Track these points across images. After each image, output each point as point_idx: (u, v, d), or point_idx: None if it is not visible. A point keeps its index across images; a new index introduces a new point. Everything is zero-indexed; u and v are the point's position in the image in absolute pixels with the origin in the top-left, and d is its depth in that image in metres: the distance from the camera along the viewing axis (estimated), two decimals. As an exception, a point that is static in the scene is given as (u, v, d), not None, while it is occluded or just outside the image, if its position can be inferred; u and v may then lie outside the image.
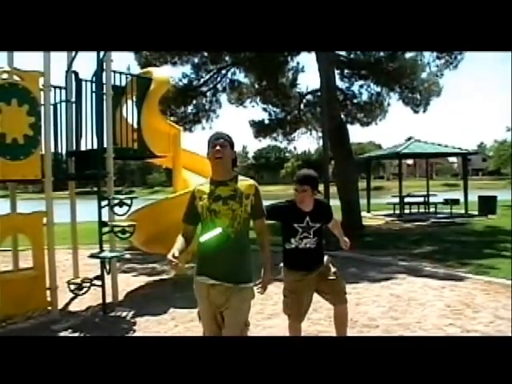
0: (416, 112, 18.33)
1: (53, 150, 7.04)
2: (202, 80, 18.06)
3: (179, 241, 3.30)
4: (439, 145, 21.01)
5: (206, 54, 16.96)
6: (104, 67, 7.06)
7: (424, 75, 17.69)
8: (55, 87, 7.23)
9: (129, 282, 8.66)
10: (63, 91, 7.46)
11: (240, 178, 3.29)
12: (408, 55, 17.20)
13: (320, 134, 17.50)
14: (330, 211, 4.47)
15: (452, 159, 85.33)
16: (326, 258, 4.45)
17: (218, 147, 3.18)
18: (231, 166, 3.30)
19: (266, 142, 22.61)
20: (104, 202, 6.76)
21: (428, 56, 17.20)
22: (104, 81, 7.08)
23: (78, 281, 7.51)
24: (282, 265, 4.39)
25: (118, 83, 7.51)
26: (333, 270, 4.45)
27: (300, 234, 4.18)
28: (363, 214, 17.19)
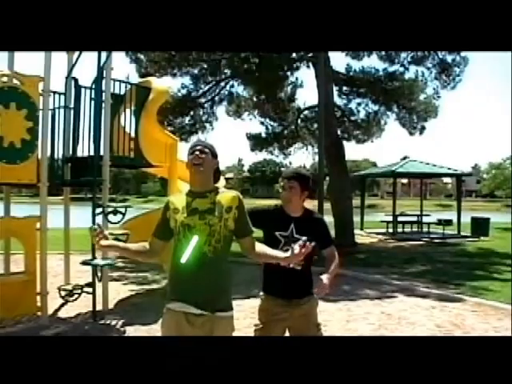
0: (412, 134, 18.49)
1: (49, 155, 7.04)
2: (201, 91, 18.13)
3: (140, 244, 2.94)
4: (434, 165, 21.14)
5: (205, 65, 17.07)
6: (104, 75, 7.09)
7: (422, 96, 17.83)
8: (54, 93, 7.25)
9: (120, 291, 8.63)
10: (62, 97, 7.48)
11: (222, 190, 2.91)
12: (407, 75, 17.38)
13: (316, 150, 17.61)
14: (325, 229, 3.58)
15: (446, 180, 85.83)
16: (315, 297, 3.51)
17: (197, 152, 2.84)
18: (213, 178, 2.93)
19: (261, 156, 22.72)
20: (98, 210, 6.75)
21: (427, 76, 17.37)
22: (103, 88, 7.11)
23: (69, 287, 7.47)
24: (261, 293, 3.55)
25: (117, 91, 7.54)
26: (316, 321, 3.53)
27: (282, 245, 3.32)
28: (356, 231, 17.21)
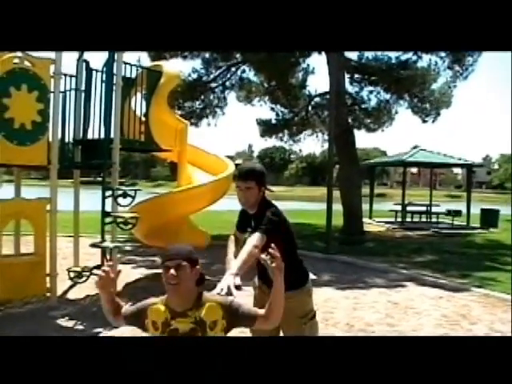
0: (425, 122, 18.30)
1: (60, 137, 7.06)
2: (212, 76, 18.08)
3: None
4: (445, 155, 20.99)
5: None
6: (115, 58, 7.08)
7: (435, 86, 17.65)
8: (65, 75, 7.25)
9: (128, 274, 8.67)
10: (73, 79, 7.48)
11: (206, 295, 2.48)
12: (420, 64, 17.20)
13: (326, 137, 17.54)
14: (266, 218, 3.14)
15: (456, 170, 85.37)
16: (304, 290, 3.39)
17: (171, 271, 2.36)
18: (195, 289, 2.47)
19: (271, 142, 22.61)
20: (108, 193, 6.78)
21: (440, 65, 17.16)
22: (114, 71, 7.10)
23: (78, 269, 7.52)
24: (255, 279, 3.50)
25: (128, 75, 7.53)
26: (302, 313, 3.33)
27: None
28: (365, 219, 17.17)
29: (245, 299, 3.22)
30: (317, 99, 19.45)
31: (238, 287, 2.65)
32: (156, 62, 9.60)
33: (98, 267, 6.94)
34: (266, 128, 20.20)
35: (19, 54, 6.48)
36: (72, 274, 7.45)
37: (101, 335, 4.96)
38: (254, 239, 2.98)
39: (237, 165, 3.23)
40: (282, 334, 3.38)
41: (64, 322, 5.96)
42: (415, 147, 23.16)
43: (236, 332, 2.48)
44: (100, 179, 7.04)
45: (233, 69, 18.26)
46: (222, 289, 2.59)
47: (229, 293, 2.56)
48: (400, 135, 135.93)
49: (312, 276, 3.54)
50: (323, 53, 16.23)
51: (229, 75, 18.45)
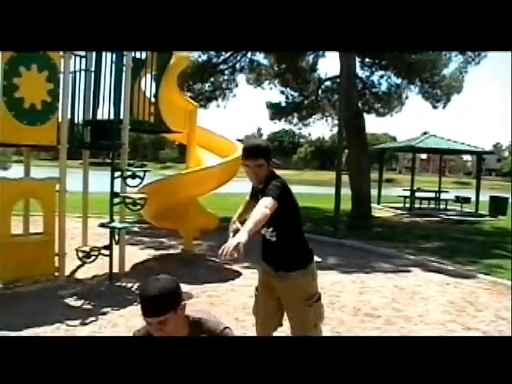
0: (435, 107, 18.15)
1: (69, 117, 7.07)
2: (222, 58, 17.99)
3: None
4: (455, 142, 20.84)
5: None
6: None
7: (446, 71, 17.47)
8: (75, 55, 7.23)
9: (136, 254, 8.73)
10: (83, 60, 7.46)
11: (201, 321, 2.41)
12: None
13: (336, 121, 17.45)
14: (272, 186, 3.05)
15: (466, 157, 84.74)
16: (308, 271, 3.35)
17: (154, 328, 2.24)
18: (184, 319, 2.37)
19: (280, 125, 22.59)
20: (117, 173, 6.80)
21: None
22: (124, 52, 7.07)
23: (87, 249, 7.57)
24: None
25: (138, 56, 7.50)
26: (307, 296, 3.30)
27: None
28: (373, 204, 17.14)
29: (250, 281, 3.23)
30: (327, 83, 19.35)
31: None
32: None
33: (106, 247, 7.00)
34: (276, 111, 20.13)
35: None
36: (80, 254, 7.50)
37: (100, 335, 4.97)
38: (265, 201, 2.86)
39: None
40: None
41: (72, 302, 6.02)
42: (425, 133, 22.97)
43: (236, 332, 2.48)
44: (109, 160, 7.06)
45: (243, 51, 18.15)
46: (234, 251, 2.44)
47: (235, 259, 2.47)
48: (410, 121, 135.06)
49: (316, 258, 3.53)
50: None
51: (239, 57, 18.34)
